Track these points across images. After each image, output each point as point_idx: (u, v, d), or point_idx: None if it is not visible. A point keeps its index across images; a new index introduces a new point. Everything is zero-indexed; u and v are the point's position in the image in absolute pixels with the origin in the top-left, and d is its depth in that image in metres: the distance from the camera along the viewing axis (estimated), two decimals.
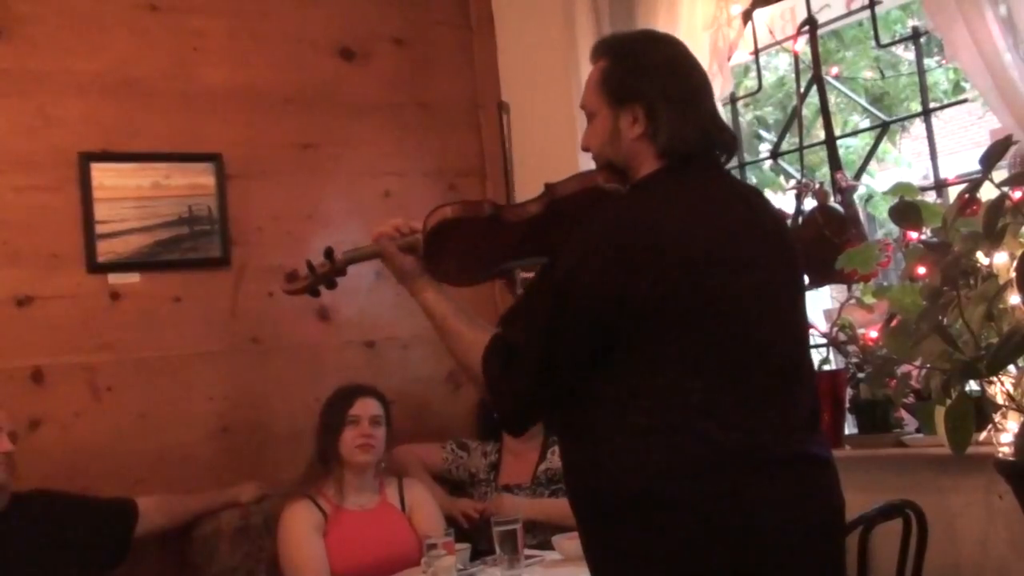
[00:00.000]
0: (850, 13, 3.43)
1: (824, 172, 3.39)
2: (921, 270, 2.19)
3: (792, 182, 3.22)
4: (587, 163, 3.41)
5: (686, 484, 1.55)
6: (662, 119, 1.70)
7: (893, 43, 4.35)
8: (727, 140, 1.77)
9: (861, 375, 2.84)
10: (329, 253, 2.04)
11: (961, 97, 5.08)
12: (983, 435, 2.10)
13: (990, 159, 1.94)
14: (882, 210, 4.33)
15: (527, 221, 1.84)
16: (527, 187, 3.44)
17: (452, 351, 1.85)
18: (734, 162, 3.57)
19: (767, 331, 1.64)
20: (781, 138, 3.53)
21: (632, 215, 1.65)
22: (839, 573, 1.69)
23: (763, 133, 7.92)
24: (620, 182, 1.76)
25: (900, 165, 7.98)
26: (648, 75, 1.73)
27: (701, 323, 1.59)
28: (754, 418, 1.58)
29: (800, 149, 3.20)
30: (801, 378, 1.70)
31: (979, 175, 1.98)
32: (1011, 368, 2.00)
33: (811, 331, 2.95)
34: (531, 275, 1.93)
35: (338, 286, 2.09)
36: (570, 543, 2.69)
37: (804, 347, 1.79)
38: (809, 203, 3.02)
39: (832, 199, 2.97)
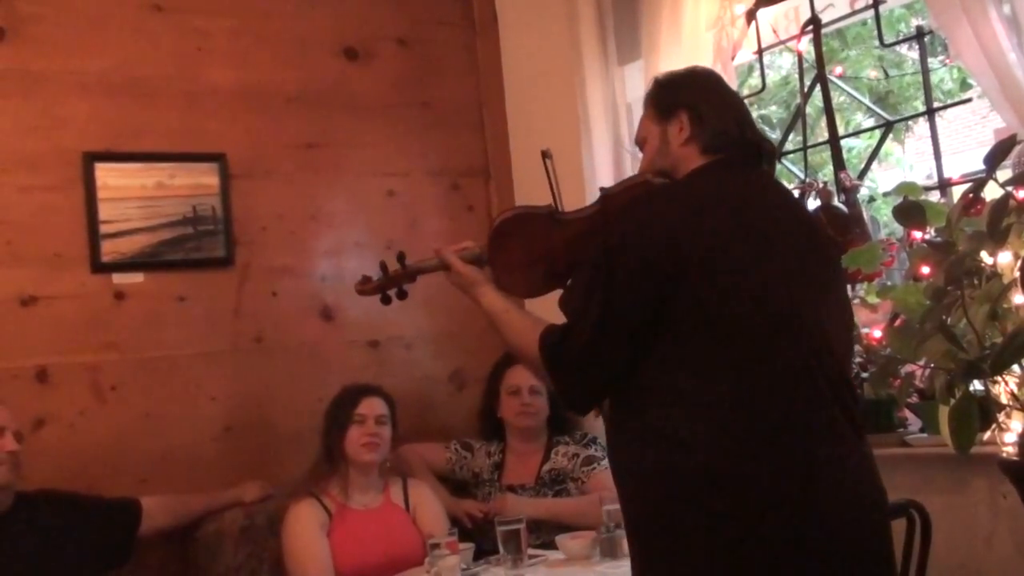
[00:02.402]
0: (854, 12, 3.42)
1: (828, 172, 3.38)
2: (925, 270, 2.18)
3: (796, 182, 3.21)
4: (589, 164, 3.44)
5: (745, 460, 1.62)
6: (706, 119, 1.86)
7: (897, 42, 4.33)
8: (766, 146, 1.91)
9: (865, 374, 2.83)
10: (401, 257, 2.12)
11: (965, 96, 5.07)
12: (987, 435, 2.10)
13: (994, 158, 1.94)
14: (884, 212, 4.32)
15: (584, 219, 1.98)
16: (530, 186, 3.44)
17: (513, 343, 1.94)
18: None
19: (797, 324, 1.70)
20: (785, 138, 3.52)
21: (677, 193, 1.83)
22: (890, 552, 1.76)
23: (767, 131, 7.94)
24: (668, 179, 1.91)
25: (902, 167, 7.99)
26: (687, 86, 1.93)
27: (740, 302, 1.67)
28: (788, 404, 1.65)
29: (804, 148, 3.19)
30: (844, 371, 1.78)
31: (983, 174, 1.97)
32: (1015, 368, 2.00)
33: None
34: None
35: (408, 296, 2.15)
36: (574, 543, 2.69)
37: (845, 343, 1.85)
38: (813, 203, 3.02)
39: (836, 199, 2.97)
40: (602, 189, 2.01)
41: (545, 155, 2.06)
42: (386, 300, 2.16)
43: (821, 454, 1.64)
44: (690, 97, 1.89)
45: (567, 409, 1.92)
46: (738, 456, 1.62)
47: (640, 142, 1.99)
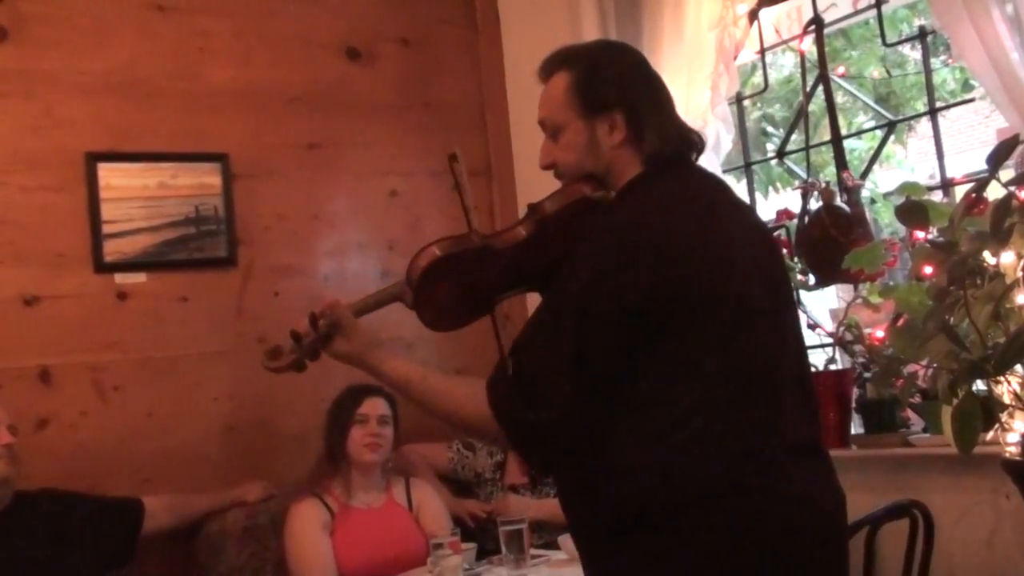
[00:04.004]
0: (856, 12, 3.42)
1: (830, 171, 3.38)
2: (928, 270, 2.18)
3: (798, 181, 3.21)
4: None
5: (713, 487, 1.53)
6: (646, 123, 1.69)
7: (900, 42, 4.33)
8: (697, 141, 1.78)
9: (868, 375, 2.84)
10: (314, 320, 1.95)
11: (967, 96, 5.07)
12: (990, 435, 2.10)
13: (997, 158, 1.94)
14: (883, 214, 4.32)
15: (517, 245, 1.77)
16: (530, 187, 3.44)
17: (444, 410, 1.75)
18: (740, 161, 3.58)
19: (774, 329, 1.65)
20: (787, 137, 3.52)
21: (640, 217, 1.63)
22: (845, 560, 1.69)
23: (771, 130, 7.94)
24: (603, 190, 1.72)
25: (902, 168, 7.99)
26: (622, 82, 1.71)
27: (717, 322, 1.57)
28: (770, 417, 1.59)
29: (806, 148, 3.19)
30: (805, 375, 1.71)
31: (986, 174, 1.97)
32: (1018, 368, 2.00)
33: (817, 331, 2.96)
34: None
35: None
36: None
37: (803, 343, 1.80)
38: (815, 203, 3.02)
39: (838, 198, 2.97)
40: (531, 205, 1.78)
41: (452, 159, 1.84)
42: (301, 368, 1.98)
43: (798, 491, 1.57)
44: (625, 95, 1.69)
45: (539, 474, 1.75)
46: (695, 488, 1.53)
47: (551, 128, 1.76)
